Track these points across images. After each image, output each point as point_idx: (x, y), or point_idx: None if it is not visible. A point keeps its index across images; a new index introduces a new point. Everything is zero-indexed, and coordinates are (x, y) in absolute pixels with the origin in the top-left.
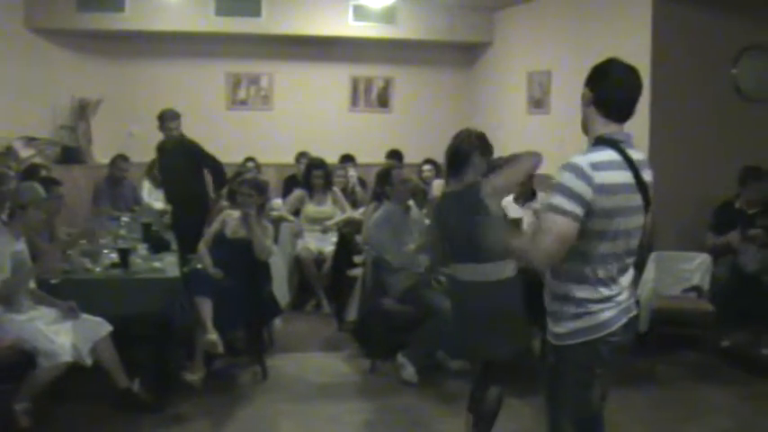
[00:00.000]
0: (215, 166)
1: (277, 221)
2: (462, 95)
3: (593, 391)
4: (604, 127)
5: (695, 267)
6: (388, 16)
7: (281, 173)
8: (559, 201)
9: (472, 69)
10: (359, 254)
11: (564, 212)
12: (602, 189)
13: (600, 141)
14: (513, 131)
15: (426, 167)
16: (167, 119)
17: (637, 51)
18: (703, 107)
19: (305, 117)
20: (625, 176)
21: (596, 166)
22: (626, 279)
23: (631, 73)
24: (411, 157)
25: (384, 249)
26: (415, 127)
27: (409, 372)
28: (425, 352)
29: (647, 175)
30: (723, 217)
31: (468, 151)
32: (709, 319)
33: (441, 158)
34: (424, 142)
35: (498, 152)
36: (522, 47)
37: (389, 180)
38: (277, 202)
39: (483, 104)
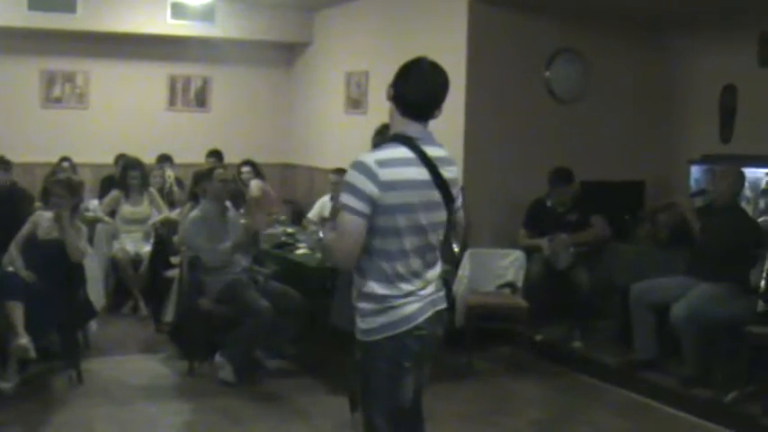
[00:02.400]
0: None
1: (92, 222)
2: (282, 95)
3: (403, 385)
4: (403, 125)
5: (509, 264)
6: (207, 15)
7: (98, 173)
8: (348, 199)
9: (292, 69)
10: (176, 254)
11: (353, 211)
12: (388, 186)
13: (394, 138)
14: (331, 131)
15: (245, 169)
16: None
17: (453, 53)
18: (518, 108)
19: (122, 116)
20: (418, 173)
21: (382, 164)
22: (432, 273)
23: (435, 72)
24: (230, 157)
25: (200, 249)
26: (235, 127)
27: (227, 372)
28: (244, 352)
29: (449, 172)
30: (535, 215)
31: None
32: (522, 315)
33: (260, 158)
34: (243, 142)
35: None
36: (341, 47)
37: (207, 179)
38: (93, 203)
39: (302, 104)
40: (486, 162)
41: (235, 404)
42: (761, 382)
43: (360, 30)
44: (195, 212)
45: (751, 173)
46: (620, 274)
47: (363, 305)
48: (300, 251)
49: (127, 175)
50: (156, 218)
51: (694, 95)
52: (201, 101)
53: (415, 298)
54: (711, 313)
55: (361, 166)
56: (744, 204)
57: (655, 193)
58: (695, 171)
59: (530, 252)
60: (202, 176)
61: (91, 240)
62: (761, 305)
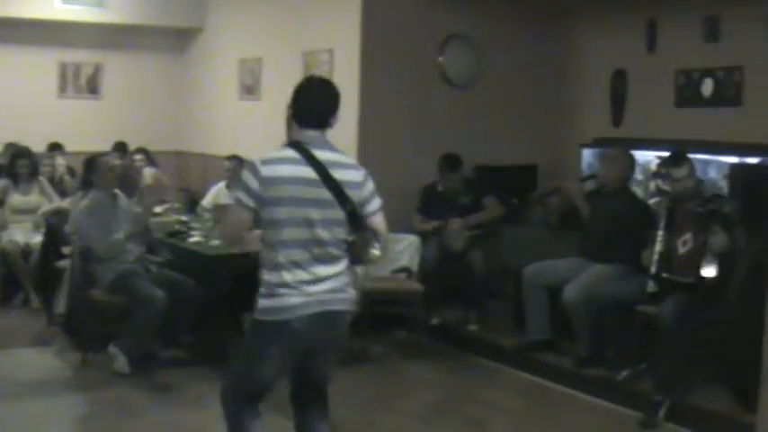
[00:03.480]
0: None
1: None
2: (175, 82)
3: (267, 364)
4: (298, 133)
5: (404, 248)
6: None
7: None
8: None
9: (185, 55)
10: (67, 245)
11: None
12: (268, 181)
13: (288, 144)
14: (225, 118)
15: (138, 156)
16: None
17: (346, 39)
18: (412, 93)
19: (11, 104)
20: (302, 171)
21: (266, 162)
22: (325, 270)
23: (323, 86)
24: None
25: (91, 239)
26: (127, 114)
27: (121, 362)
28: (137, 342)
29: (344, 175)
30: (428, 200)
31: None
32: (418, 299)
33: (154, 146)
34: (136, 130)
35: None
36: (234, 33)
37: (95, 168)
38: None
39: (196, 91)
40: (380, 148)
41: (129, 395)
42: (651, 359)
43: (253, 16)
44: (85, 202)
45: (641, 156)
46: (513, 256)
47: (261, 288)
48: (194, 239)
49: (15, 164)
50: (47, 207)
51: (586, 80)
52: (93, 88)
53: (297, 291)
54: (602, 294)
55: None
56: (634, 187)
57: (548, 176)
58: (587, 154)
59: (424, 237)
60: (89, 166)
61: None
62: (651, 285)
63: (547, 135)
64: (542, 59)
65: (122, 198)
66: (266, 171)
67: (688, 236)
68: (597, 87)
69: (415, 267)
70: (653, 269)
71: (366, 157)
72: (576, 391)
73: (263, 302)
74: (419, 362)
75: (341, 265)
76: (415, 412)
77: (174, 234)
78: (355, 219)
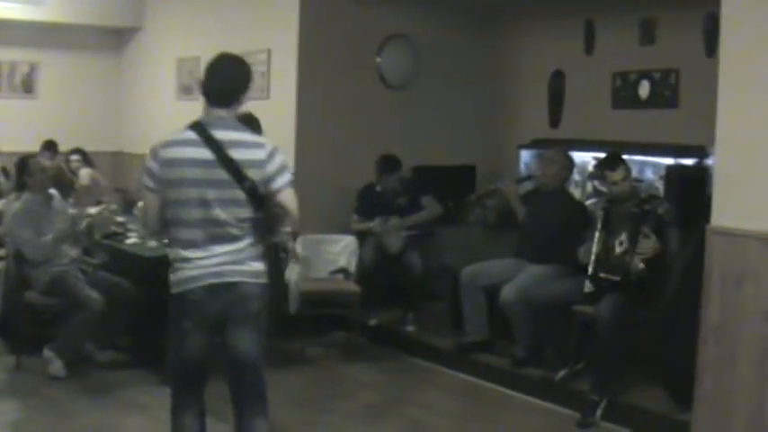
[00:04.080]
0: None
1: None
2: (113, 81)
3: (186, 342)
4: (205, 112)
5: (341, 250)
6: None
7: None
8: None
9: (123, 55)
10: (2, 247)
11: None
12: (165, 163)
13: (189, 125)
14: (163, 118)
15: (74, 157)
16: None
17: (284, 40)
18: (349, 94)
19: None
20: (199, 153)
21: (165, 145)
22: (222, 248)
23: (231, 63)
24: (59, 146)
25: (22, 241)
26: (64, 114)
27: (56, 366)
28: (73, 345)
29: (245, 154)
30: (366, 200)
31: None
32: (355, 300)
33: (91, 146)
34: (72, 130)
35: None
36: (172, 33)
37: (27, 170)
38: None
39: (134, 91)
40: (317, 149)
41: (66, 399)
42: (589, 359)
43: (191, 16)
44: (17, 204)
45: (579, 157)
46: (451, 257)
47: (171, 264)
48: (131, 240)
49: None
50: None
51: (524, 81)
52: (28, 87)
53: (193, 265)
54: (540, 294)
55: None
56: (572, 188)
57: (486, 177)
58: (525, 155)
59: (362, 238)
60: (22, 167)
61: None
62: (588, 285)
63: (485, 136)
64: (481, 60)
65: (57, 199)
66: (164, 153)
67: (623, 236)
68: (535, 89)
69: (352, 268)
70: (590, 269)
71: (304, 157)
72: (514, 392)
73: (170, 278)
74: (357, 363)
75: (241, 243)
76: (354, 413)
77: (110, 235)
78: (256, 197)
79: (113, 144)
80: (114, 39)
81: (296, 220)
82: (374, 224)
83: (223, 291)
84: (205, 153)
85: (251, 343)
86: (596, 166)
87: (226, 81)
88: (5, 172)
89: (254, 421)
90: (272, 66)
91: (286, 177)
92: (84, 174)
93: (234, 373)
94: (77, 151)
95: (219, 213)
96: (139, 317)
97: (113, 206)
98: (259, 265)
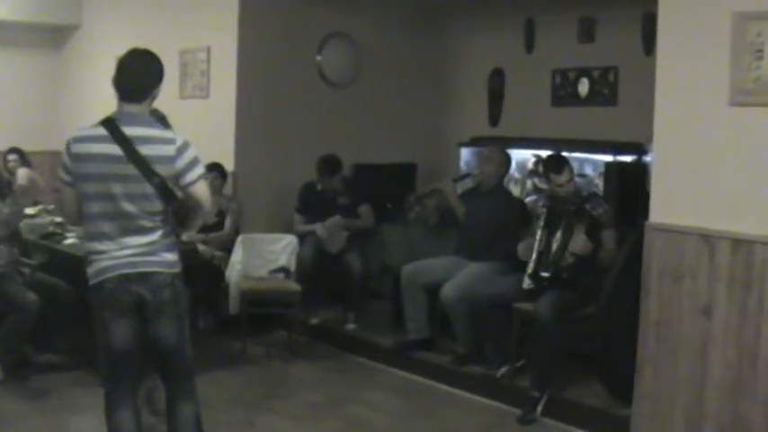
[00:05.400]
0: None
1: None
2: (51, 80)
3: (110, 331)
4: (118, 107)
5: (281, 249)
6: None
7: None
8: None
9: (61, 53)
10: None
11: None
12: (76, 158)
13: (100, 120)
14: (102, 116)
15: (11, 157)
16: None
17: (224, 37)
18: (290, 93)
19: None
20: (108, 148)
21: (77, 140)
22: (135, 240)
23: (143, 58)
24: None
25: None
26: (0, 113)
27: None
28: (10, 347)
29: (154, 150)
30: (307, 199)
31: None
32: (296, 299)
33: (28, 146)
34: (9, 129)
35: None
36: (111, 31)
37: None
38: None
39: (73, 89)
40: (257, 148)
41: (4, 403)
42: (529, 356)
43: (130, 13)
44: None
45: (518, 154)
46: (392, 256)
47: (85, 256)
48: (69, 241)
49: None
50: None
51: (464, 79)
52: None
53: (107, 256)
54: (480, 292)
55: (66, 143)
56: (512, 185)
57: (427, 175)
58: (465, 153)
59: (302, 236)
60: None
61: None
62: (527, 282)
63: (426, 134)
64: (422, 58)
65: None
66: (76, 148)
67: (558, 234)
68: (476, 86)
69: (292, 267)
70: (530, 267)
71: (244, 156)
72: (456, 389)
73: (87, 270)
74: (299, 362)
75: (153, 235)
76: (296, 413)
77: (48, 236)
78: (165, 191)
79: (52, 143)
80: (53, 36)
81: (208, 212)
82: (317, 229)
83: (137, 281)
84: (114, 149)
85: (171, 329)
86: (539, 166)
87: (136, 76)
88: None
89: (182, 403)
90: (211, 64)
91: (197, 171)
92: (22, 174)
93: (159, 360)
94: (14, 150)
95: (128, 207)
96: (78, 318)
97: (51, 206)
98: (172, 256)
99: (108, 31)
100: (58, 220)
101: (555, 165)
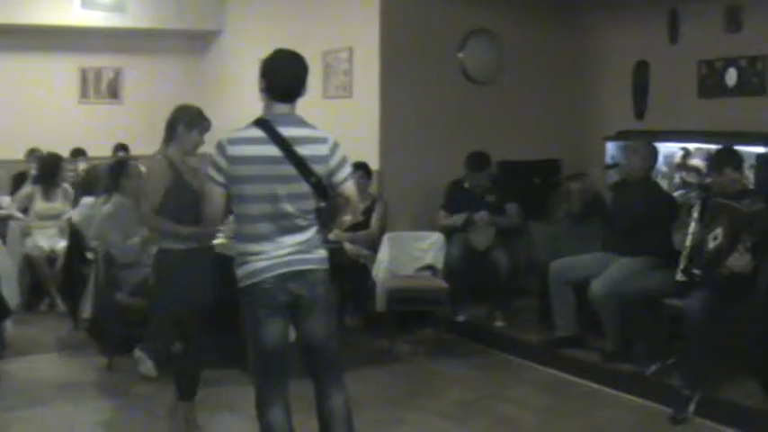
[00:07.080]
0: None
1: (5, 220)
2: (194, 85)
3: (263, 330)
4: (268, 108)
5: (428, 246)
6: (117, 4)
7: (10, 169)
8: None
9: (204, 58)
10: (91, 250)
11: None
12: (233, 160)
13: (254, 122)
14: (246, 119)
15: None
16: None
17: (366, 37)
18: (433, 91)
19: (32, 110)
20: (266, 150)
21: (233, 142)
22: (291, 239)
23: (291, 59)
24: (142, 148)
25: (110, 244)
26: (147, 118)
27: (147, 366)
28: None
29: (310, 150)
30: (453, 196)
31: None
32: (443, 296)
33: None
34: (156, 133)
35: None
36: (253, 35)
37: (125, 173)
38: (5, 199)
39: (215, 93)
40: (402, 146)
41: (156, 397)
42: (680, 353)
43: (271, 17)
44: (108, 207)
45: (666, 148)
46: (539, 252)
47: (236, 258)
48: (217, 241)
49: (57, 173)
50: (71, 213)
51: (608, 72)
52: (114, 92)
53: (264, 257)
54: (629, 288)
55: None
56: (660, 179)
57: (571, 170)
58: (611, 147)
59: (449, 234)
60: (119, 170)
61: (3, 238)
62: (680, 275)
63: (569, 129)
64: (563, 53)
65: None
66: (232, 150)
67: (718, 231)
68: (620, 79)
69: (440, 265)
70: (682, 262)
71: (388, 154)
72: (605, 387)
73: (238, 272)
74: (446, 360)
75: (308, 233)
76: (444, 410)
77: None
78: (321, 190)
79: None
80: (195, 42)
81: (357, 209)
82: (456, 217)
83: (293, 279)
84: (273, 150)
85: (323, 323)
86: (705, 163)
87: (290, 77)
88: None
89: (333, 395)
90: (354, 64)
91: (347, 170)
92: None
93: (310, 355)
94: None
95: (288, 207)
96: (222, 318)
97: None
98: (324, 252)
99: (249, 35)
100: None
101: (731, 158)
